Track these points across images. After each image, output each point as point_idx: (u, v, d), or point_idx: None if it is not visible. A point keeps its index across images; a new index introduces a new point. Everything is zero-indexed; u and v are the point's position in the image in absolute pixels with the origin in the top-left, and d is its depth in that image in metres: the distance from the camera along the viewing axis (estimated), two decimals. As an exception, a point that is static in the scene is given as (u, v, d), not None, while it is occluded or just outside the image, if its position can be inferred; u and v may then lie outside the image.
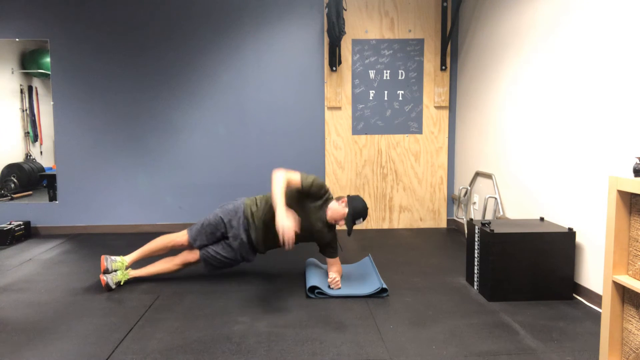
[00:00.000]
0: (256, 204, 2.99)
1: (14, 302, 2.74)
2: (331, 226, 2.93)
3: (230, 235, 2.95)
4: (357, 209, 2.81)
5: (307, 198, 2.87)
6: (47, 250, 3.95)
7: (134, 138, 4.60)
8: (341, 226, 2.93)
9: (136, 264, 3.10)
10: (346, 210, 2.81)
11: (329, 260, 2.96)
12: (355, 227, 4.70)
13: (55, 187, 4.57)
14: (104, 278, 2.87)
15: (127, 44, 4.51)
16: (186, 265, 3.03)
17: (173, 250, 3.07)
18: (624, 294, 1.85)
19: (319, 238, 2.92)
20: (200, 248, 2.99)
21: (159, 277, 3.10)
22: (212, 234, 2.97)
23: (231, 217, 2.96)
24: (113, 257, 2.97)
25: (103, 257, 2.94)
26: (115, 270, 2.95)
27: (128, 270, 3.01)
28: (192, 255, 3.01)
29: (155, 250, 3.03)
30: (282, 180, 2.68)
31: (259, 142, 4.66)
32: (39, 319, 2.49)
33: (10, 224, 4.28)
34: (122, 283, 2.97)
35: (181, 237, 3.00)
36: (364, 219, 2.86)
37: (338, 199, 2.90)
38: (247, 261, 3.06)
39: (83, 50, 4.49)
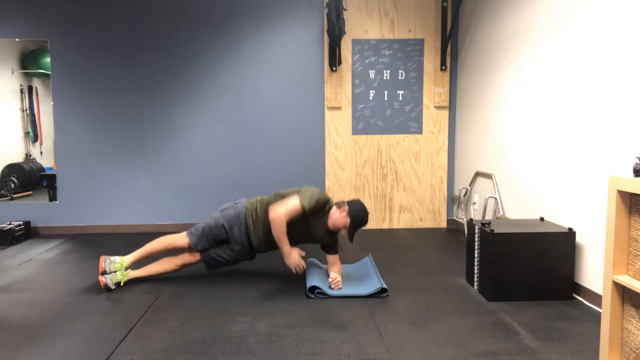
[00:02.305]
0: (256, 211, 2.98)
1: (14, 302, 2.74)
2: (333, 232, 2.94)
3: (232, 240, 2.98)
4: (358, 219, 2.81)
5: (310, 215, 2.88)
6: (47, 250, 3.95)
7: (134, 138, 4.60)
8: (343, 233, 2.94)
9: (135, 264, 3.10)
10: (347, 219, 2.81)
11: (330, 259, 2.97)
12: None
13: (55, 187, 4.57)
14: (102, 279, 2.87)
15: (127, 44, 4.51)
16: (186, 265, 3.05)
17: (172, 251, 3.07)
18: (624, 294, 1.85)
19: (321, 241, 2.97)
20: (201, 251, 3.01)
21: (159, 277, 3.10)
22: (213, 240, 2.99)
23: (233, 223, 2.97)
24: (112, 258, 2.96)
25: (102, 258, 2.94)
26: (114, 272, 2.95)
27: (128, 271, 3.00)
28: (193, 257, 3.04)
29: (155, 252, 3.03)
30: (282, 223, 2.75)
31: (258, 142, 4.66)
32: (39, 319, 2.49)
33: (10, 224, 4.28)
34: (122, 284, 2.97)
35: (181, 240, 3.01)
36: (364, 225, 2.88)
37: (338, 205, 2.87)
38: (248, 260, 3.09)
39: (83, 50, 4.48)
